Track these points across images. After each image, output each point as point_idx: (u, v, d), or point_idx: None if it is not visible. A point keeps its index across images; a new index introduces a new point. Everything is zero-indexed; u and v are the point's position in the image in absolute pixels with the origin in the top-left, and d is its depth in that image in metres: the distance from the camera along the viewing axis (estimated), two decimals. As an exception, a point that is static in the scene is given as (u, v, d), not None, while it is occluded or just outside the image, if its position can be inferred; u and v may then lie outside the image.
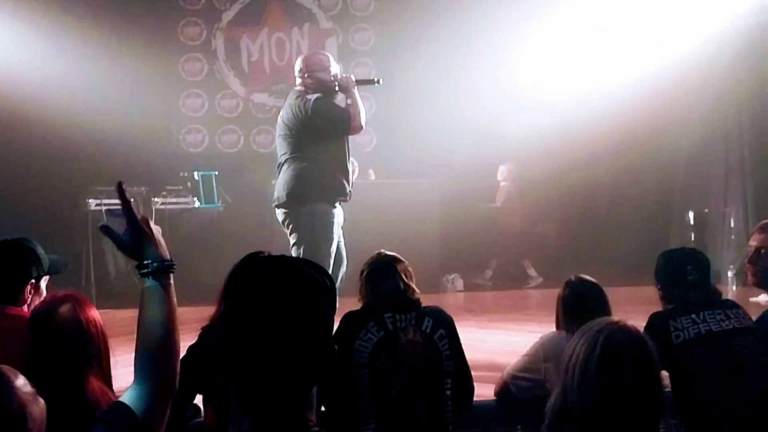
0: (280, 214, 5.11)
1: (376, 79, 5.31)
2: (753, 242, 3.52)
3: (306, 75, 5.11)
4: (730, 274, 8.51)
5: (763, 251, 3.37)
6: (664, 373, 3.37)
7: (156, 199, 8.14)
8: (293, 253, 5.02)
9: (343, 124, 5.02)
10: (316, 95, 5.03)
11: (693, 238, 9.36)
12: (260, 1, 10.07)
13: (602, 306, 3.43)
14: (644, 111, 8.72)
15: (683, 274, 3.36)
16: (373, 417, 3.19)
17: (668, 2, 8.36)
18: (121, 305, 7.65)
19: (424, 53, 9.75)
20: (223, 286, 1.58)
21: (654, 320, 3.31)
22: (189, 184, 8.42)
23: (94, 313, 2.38)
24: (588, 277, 3.65)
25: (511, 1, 9.07)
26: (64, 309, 2.35)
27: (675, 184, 9.69)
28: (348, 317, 3.32)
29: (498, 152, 9.40)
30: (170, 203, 8.21)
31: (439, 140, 9.29)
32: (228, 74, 10.03)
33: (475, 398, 3.60)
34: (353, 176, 5.29)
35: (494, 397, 3.88)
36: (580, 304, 3.47)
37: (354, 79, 5.11)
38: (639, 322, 3.51)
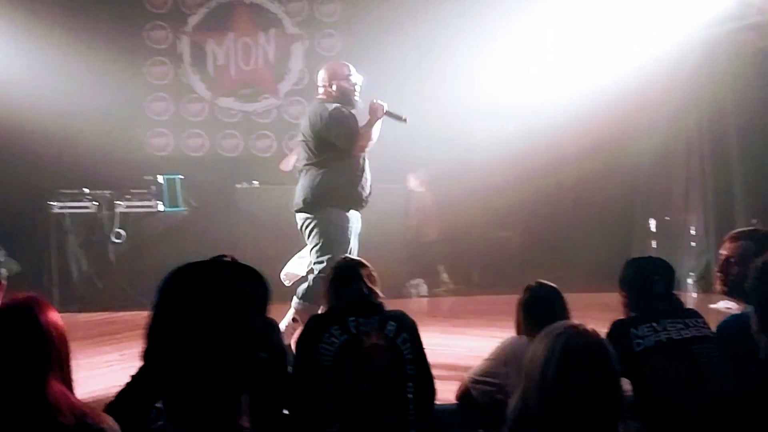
0: (298, 219, 5.34)
1: (404, 117, 5.40)
2: (723, 251, 3.58)
3: (329, 84, 5.25)
4: (690, 281, 8.63)
5: (732, 260, 3.42)
6: (625, 380, 3.44)
7: (120, 203, 8.08)
8: (312, 258, 5.26)
9: (350, 139, 5.21)
10: (335, 105, 5.24)
11: (654, 245, 9.49)
12: (226, 6, 10.04)
13: (562, 311, 3.48)
14: (607, 119, 8.83)
15: (650, 284, 3.41)
16: (336, 419, 3.21)
17: (630, 12, 8.46)
18: (83, 308, 7.61)
19: (391, 59, 9.77)
20: (156, 294, 1.59)
21: (615, 327, 3.36)
22: (153, 187, 8.38)
23: (55, 316, 2.36)
24: (548, 282, 3.70)
25: (478, 9, 9.14)
26: (24, 311, 2.33)
27: (637, 192, 9.81)
28: (312, 321, 3.35)
29: (463, 158, 9.46)
30: (134, 207, 8.16)
31: (404, 146, 9.30)
32: (194, 78, 9.99)
33: (437, 402, 3.62)
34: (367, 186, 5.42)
35: (456, 401, 3.91)
36: (540, 309, 3.51)
37: (385, 110, 5.33)
38: (600, 328, 3.55)
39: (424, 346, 3.49)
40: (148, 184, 8.41)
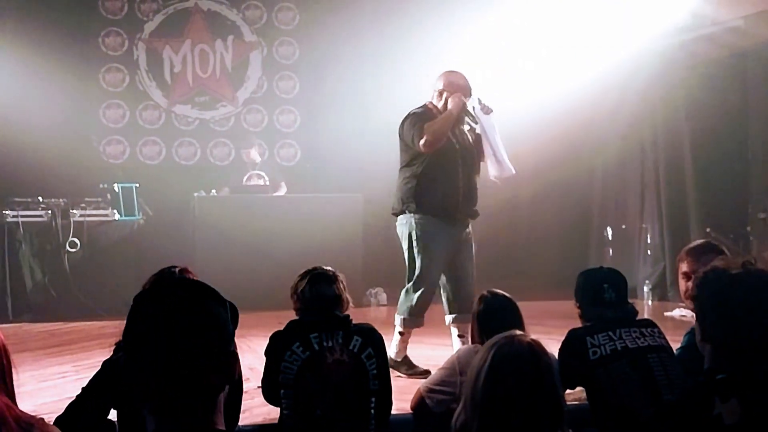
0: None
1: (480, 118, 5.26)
2: (686, 269, 3.62)
3: (439, 94, 5.23)
4: (646, 288, 8.74)
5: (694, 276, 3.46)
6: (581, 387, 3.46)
7: (74, 211, 7.95)
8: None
9: (412, 139, 5.10)
10: (418, 109, 5.21)
11: (611, 253, 9.60)
12: (183, 13, 9.97)
13: (515, 320, 3.48)
14: (562, 129, 8.92)
15: (600, 293, 3.44)
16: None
17: (583, 24, 8.56)
18: (37, 318, 7.47)
19: (349, 67, 9.80)
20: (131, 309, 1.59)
21: (571, 336, 3.39)
22: (109, 196, 8.26)
23: None
24: (501, 292, 3.70)
25: (435, 16, 9.20)
26: None
27: (593, 201, 9.92)
28: (273, 338, 3.30)
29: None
30: (89, 215, 8.03)
31: (362, 154, 9.32)
32: (150, 85, 9.89)
33: (393, 412, 3.61)
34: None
35: (411, 411, 3.90)
36: (492, 318, 3.52)
37: (464, 106, 5.15)
38: (558, 336, 3.60)
39: (383, 355, 3.48)
40: (104, 193, 8.29)
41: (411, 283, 5.22)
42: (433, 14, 9.24)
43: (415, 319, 5.20)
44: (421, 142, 5.05)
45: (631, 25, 8.37)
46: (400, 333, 5.24)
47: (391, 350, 5.17)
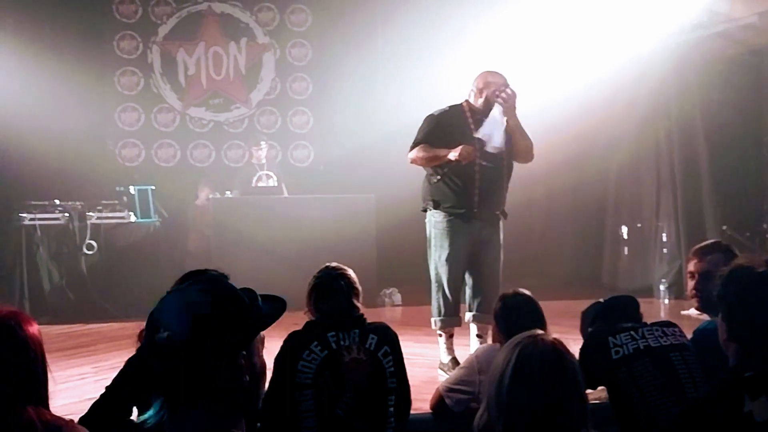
0: None
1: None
2: (692, 268, 3.60)
3: (478, 92, 5.25)
4: (662, 287, 8.69)
5: (704, 276, 3.44)
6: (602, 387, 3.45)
7: (91, 214, 8.00)
8: None
9: (413, 144, 5.20)
10: (439, 110, 5.27)
11: (626, 252, 9.57)
12: (197, 15, 10.02)
13: (536, 319, 3.47)
14: (577, 128, 8.89)
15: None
16: (316, 435, 3.18)
17: (598, 21, 8.53)
18: (55, 321, 7.51)
19: (362, 68, 9.81)
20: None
21: (593, 336, 3.38)
22: (125, 198, 8.30)
23: (35, 330, 2.32)
24: (523, 291, 3.70)
25: (446, 16, 9.20)
26: (7, 326, 2.28)
27: (608, 200, 9.88)
28: (291, 338, 3.30)
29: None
30: (106, 218, 8.08)
31: (375, 154, 9.33)
32: (164, 88, 9.94)
33: (411, 412, 3.61)
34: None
35: (430, 411, 3.90)
36: (513, 318, 3.51)
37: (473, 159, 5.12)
38: (574, 336, 3.60)
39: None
40: (120, 195, 8.34)
41: (433, 282, 5.25)
42: (445, 14, 9.24)
43: (448, 319, 5.21)
44: (409, 155, 5.20)
45: (646, 23, 8.34)
46: (438, 335, 5.26)
47: (441, 355, 5.20)
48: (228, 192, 8.77)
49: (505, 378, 2.05)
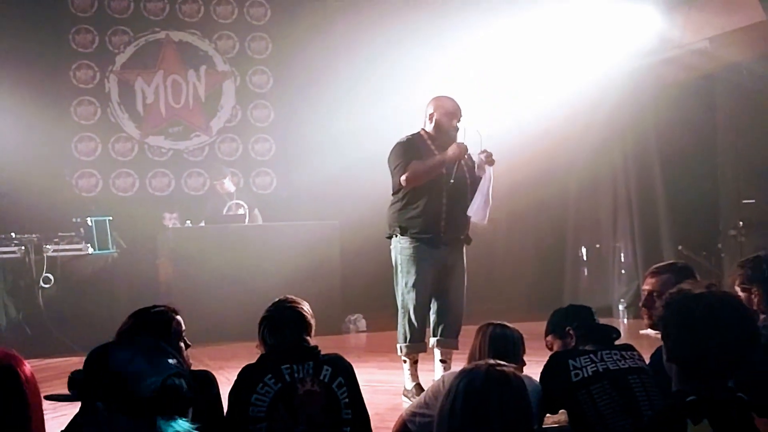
0: None
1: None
2: (646, 286, 3.64)
3: (429, 117, 5.29)
4: (621, 307, 8.80)
5: (655, 294, 3.49)
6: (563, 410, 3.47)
7: (48, 246, 7.88)
8: None
9: (398, 174, 5.17)
10: (405, 137, 5.27)
11: (586, 273, 9.67)
12: (155, 44, 9.98)
13: (507, 351, 3.48)
14: (535, 151, 8.99)
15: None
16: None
17: (554, 48, 8.66)
18: (11, 357, 7.36)
19: (323, 94, 9.84)
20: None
21: (553, 360, 3.41)
22: (82, 229, 8.20)
23: (29, 371, 2.30)
24: (501, 323, 3.70)
25: (409, 43, 9.26)
26: (6, 369, 2.25)
27: (568, 221, 9.98)
28: (245, 371, 3.26)
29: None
30: (63, 250, 7.96)
31: (338, 180, 9.34)
32: (122, 117, 9.87)
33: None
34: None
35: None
36: (485, 350, 3.53)
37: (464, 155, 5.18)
38: (536, 358, 3.62)
39: (364, 382, 3.46)
40: (77, 227, 8.23)
41: (399, 308, 5.25)
42: (407, 41, 9.31)
43: (414, 345, 5.21)
44: (402, 177, 5.14)
45: (600, 48, 8.48)
46: (403, 361, 5.24)
47: (405, 381, 5.19)
48: (188, 222, 8.70)
49: (448, 404, 2.07)
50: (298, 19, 9.95)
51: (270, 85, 10.26)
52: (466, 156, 5.29)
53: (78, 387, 1.73)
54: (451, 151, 5.14)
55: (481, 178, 5.27)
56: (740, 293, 3.43)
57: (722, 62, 7.96)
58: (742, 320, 2.11)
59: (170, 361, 1.77)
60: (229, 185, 8.93)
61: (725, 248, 8.29)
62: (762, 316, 3.40)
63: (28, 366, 2.27)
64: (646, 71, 8.49)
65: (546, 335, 3.66)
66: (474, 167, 5.33)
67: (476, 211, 5.24)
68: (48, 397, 1.86)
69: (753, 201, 8.13)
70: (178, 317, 3.19)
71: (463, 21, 8.99)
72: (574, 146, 9.44)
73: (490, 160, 5.24)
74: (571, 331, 3.53)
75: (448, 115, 5.28)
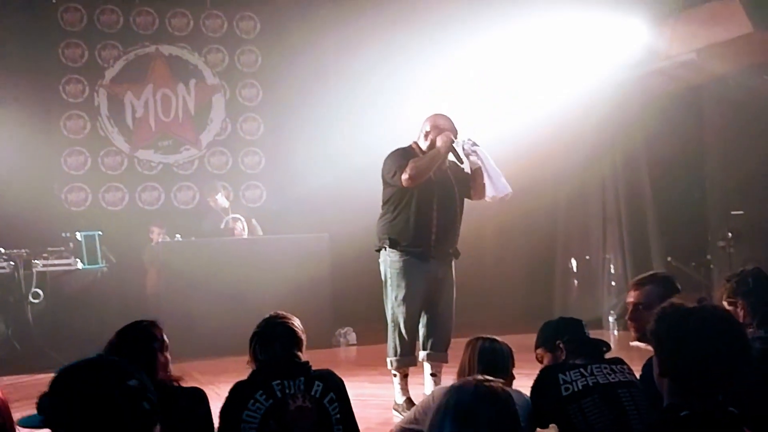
0: None
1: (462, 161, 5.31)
2: (630, 299, 3.65)
3: (425, 134, 5.27)
4: (611, 319, 8.81)
5: (640, 306, 3.51)
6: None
7: (37, 261, 7.85)
8: None
9: (394, 174, 5.15)
10: (399, 148, 5.25)
11: (576, 285, 9.68)
12: (144, 58, 9.98)
13: (497, 365, 3.48)
14: (525, 162, 8.98)
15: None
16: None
17: (543, 60, 8.70)
18: (1, 371, 7.31)
19: (313, 107, 9.85)
20: None
21: (543, 374, 3.41)
22: (71, 244, 8.17)
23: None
24: (490, 337, 3.70)
25: (398, 57, 9.29)
26: None
27: (558, 233, 10.01)
28: (236, 388, 3.25)
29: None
30: (52, 265, 7.94)
31: (328, 193, 9.34)
32: (111, 131, 9.85)
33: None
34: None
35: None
36: (475, 364, 3.53)
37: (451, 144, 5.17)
38: (526, 370, 3.62)
39: (354, 396, 3.46)
40: (66, 242, 8.20)
41: (389, 321, 5.24)
42: (396, 55, 9.34)
43: (404, 359, 5.20)
44: (404, 176, 5.10)
45: (588, 60, 8.52)
46: (393, 375, 5.23)
47: (395, 395, 5.18)
48: (178, 236, 8.68)
49: (437, 419, 2.07)
50: (288, 32, 9.97)
51: (259, 98, 10.27)
52: (455, 167, 5.31)
53: (47, 412, 1.73)
54: (440, 141, 5.15)
55: (478, 169, 5.26)
56: (727, 307, 3.45)
57: (709, 74, 8.01)
58: (735, 334, 2.12)
59: (130, 383, 1.78)
60: (222, 200, 8.90)
61: (714, 259, 8.31)
62: (750, 330, 3.42)
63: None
64: (634, 83, 8.54)
65: (536, 348, 3.66)
66: (466, 180, 5.34)
67: (495, 188, 5.22)
68: (20, 423, 1.86)
69: (742, 212, 8.17)
70: (156, 332, 3.19)
71: (453, 35, 9.01)
72: (563, 158, 9.47)
73: (472, 143, 5.24)
74: (561, 345, 3.53)
75: (445, 134, 5.28)
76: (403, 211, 5.21)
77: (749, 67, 7.81)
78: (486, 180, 5.25)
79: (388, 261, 5.25)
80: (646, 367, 3.40)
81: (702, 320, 2.10)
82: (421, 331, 5.28)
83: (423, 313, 5.26)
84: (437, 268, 5.27)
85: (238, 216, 8.73)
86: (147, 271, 8.89)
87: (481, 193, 5.35)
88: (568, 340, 3.52)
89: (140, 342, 3.09)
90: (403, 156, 5.21)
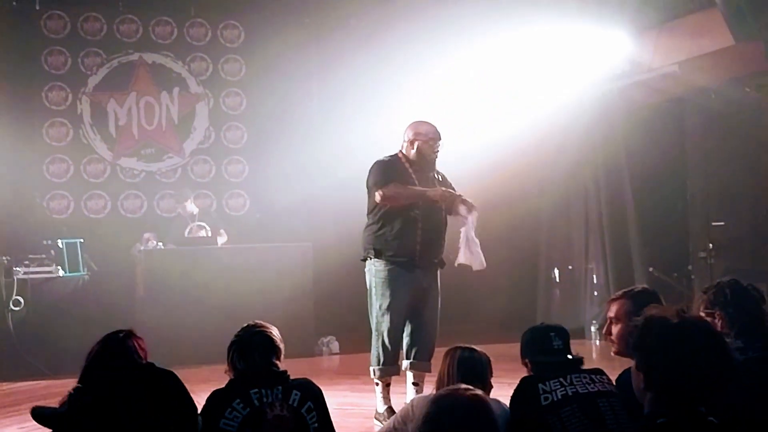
0: None
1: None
2: (610, 314, 3.69)
3: (409, 142, 5.31)
4: (593, 329, 8.84)
5: (614, 320, 3.53)
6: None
7: (18, 269, 7.79)
8: None
9: (375, 189, 5.17)
10: (384, 157, 5.28)
11: (558, 295, 9.71)
12: (128, 66, 9.94)
13: (475, 374, 3.49)
14: (507, 172, 9.05)
15: (549, 341, 3.49)
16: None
17: (526, 71, 8.75)
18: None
19: (296, 117, 9.85)
20: None
21: (523, 383, 3.42)
22: (53, 252, 8.12)
23: None
24: (469, 347, 3.71)
25: (382, 67, 9.31)
26: None
27: (540, 243, 10.04)
28: (213, 396, 3.25)
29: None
30: (33, 272, 7.88)
31: (312, 202, 9.34)
32: (94, 138, 9.80)
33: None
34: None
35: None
36: (454, 373, 3.54)
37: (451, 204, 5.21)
38: (508, 380, 3.63)
39: (335, 405, 3.46)
40: (48, 249, 8.15)
41: (373, 331, 5.24)
42: (382, 64, 9.35)
43: (387, 368, 5.20)
44: (378, 192, 5.14)
45: (571, 72, 8.58)
46: (375, 384, 5.23)
47: (377, 404, 5.17)
48: (159, 243, 8.64)
49: (418, 428, 2.07)
50: (272, 41, 9.97)
51: (243, 106, 10.25)
52: (442, 178, 5.34)
53: (49, 422, 1.74)
54: (434, 193, 5.18)
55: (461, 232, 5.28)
56: (705, 318, 3.48)
57: (692, 86, 8.08)
58: (716, 345, 2.14)
59: None
60: (191, 207, 8.91)
61: (695, 270, 8.38)
62: (728, 340, 3.45)
63: None
64: (617, 94, 8.60)
65: (522, 358, 3.66)
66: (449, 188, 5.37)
67: (472, 258, 5.28)
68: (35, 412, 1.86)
69: (723, 223, 8.24)
70: (134, 342, 3.18)
71: (437, 46, 9.04)
72: (545, 168, 9.52)
73: (470, 206, 5.26)
74: (528, 363, 3.54)
75: (426, 141, 5.31)
76: (388, 220, 5.22)
77: (731, 79, 7.89)
78: (462, 245, 5.26)
79: (373, 270, 5.26)
80: (622, 377, 3.42)
81: (683, 331, 2.11)
82: (405, 340, 5.28)
83: (407, 323, 5.27)
84: (422, 277, 5.28)
85: (202, 224, 8.72)
86: (131, 279, 8.85)
87: None
88: (532, 361, 3.52)
89: (118, 353, 3.07)
90: (387, 170, 5.22)
